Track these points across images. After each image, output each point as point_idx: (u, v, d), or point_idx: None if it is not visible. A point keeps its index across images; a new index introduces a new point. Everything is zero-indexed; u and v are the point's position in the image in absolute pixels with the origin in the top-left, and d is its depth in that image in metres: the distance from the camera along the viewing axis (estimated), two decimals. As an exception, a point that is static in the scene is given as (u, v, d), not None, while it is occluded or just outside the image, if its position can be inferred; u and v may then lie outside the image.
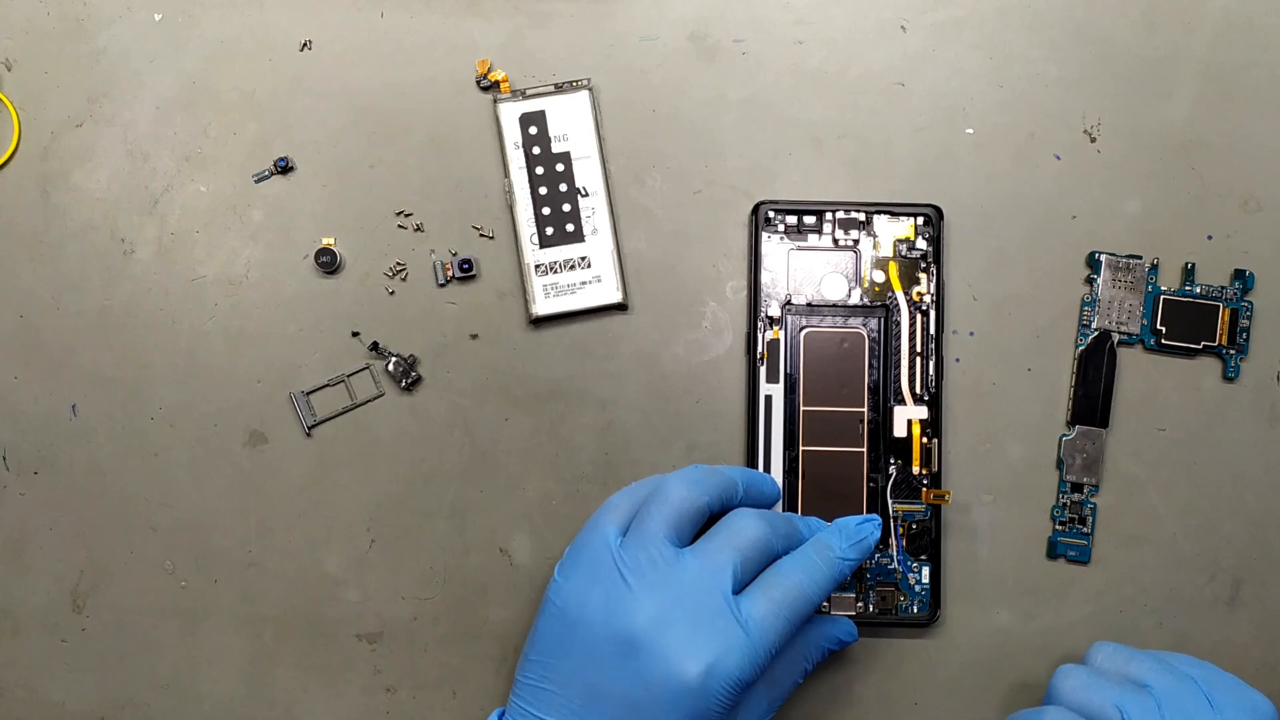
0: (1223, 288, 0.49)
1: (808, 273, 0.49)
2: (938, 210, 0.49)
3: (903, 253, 0.49)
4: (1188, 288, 0.49)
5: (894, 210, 0.49)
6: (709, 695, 0.40)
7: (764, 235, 0.49)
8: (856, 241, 0.49)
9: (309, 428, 0.49)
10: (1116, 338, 0.49)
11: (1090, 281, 0.50)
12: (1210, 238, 0.50)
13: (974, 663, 0.49)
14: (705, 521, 0.44)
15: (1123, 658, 0.43)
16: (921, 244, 0.49)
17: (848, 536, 0.44)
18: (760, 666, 0.41)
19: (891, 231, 0.49)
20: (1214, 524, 0.49)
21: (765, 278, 0.49)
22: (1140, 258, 0.49)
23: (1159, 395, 0.50)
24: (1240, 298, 0.49)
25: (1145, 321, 0.49)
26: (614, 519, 0.44)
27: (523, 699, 0.43)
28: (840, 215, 0.49)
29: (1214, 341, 0.49)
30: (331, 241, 0.50)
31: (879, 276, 0.49)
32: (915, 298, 0.49)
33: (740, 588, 0.42)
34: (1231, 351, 0.49)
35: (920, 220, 0.49)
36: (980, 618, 0.49)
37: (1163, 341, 0.49)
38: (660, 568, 0.42)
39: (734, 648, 0.40)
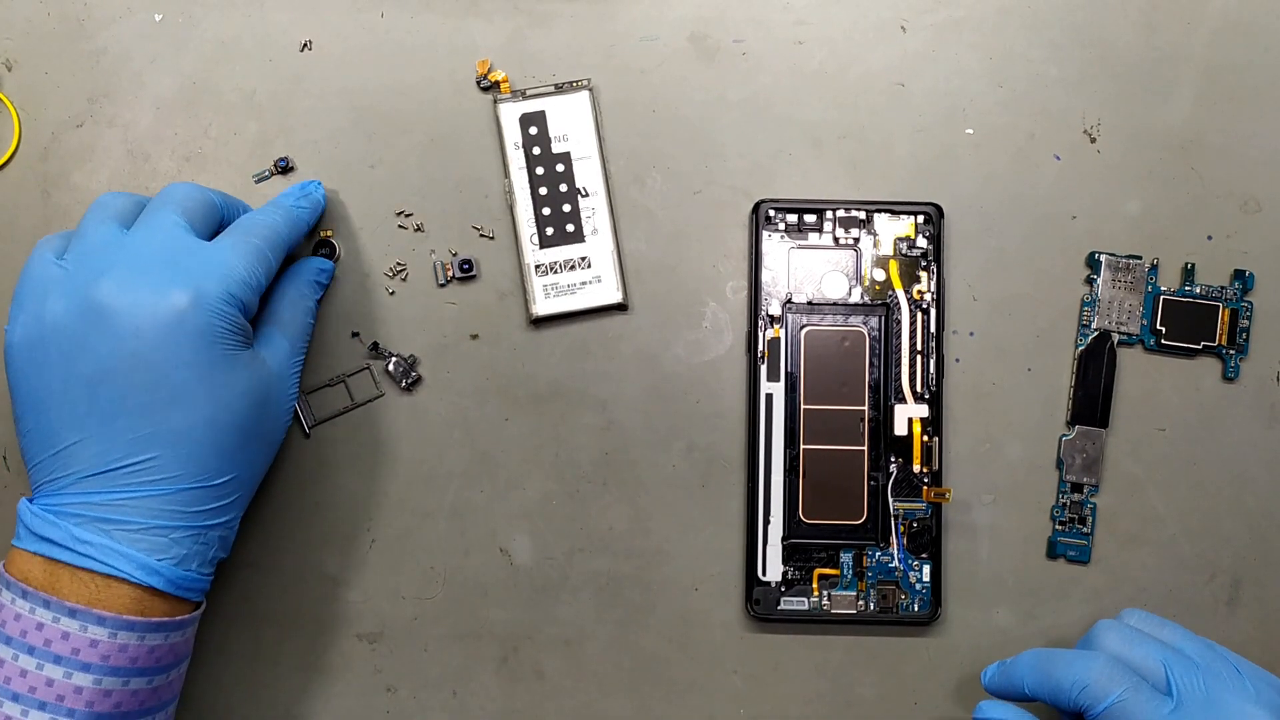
0: (1222, 288, 0.49)
1: (808, 271, 0.49)
2: (938, 208, 0.49)
3: (903, 251, 0.49)
4: (1187, 288, 0.49)
5: (894, 208, 0.49)
6: (205, 312, 0.41)
7: (764, 233, 0.49)
8: (857, 240, 0.49)
9: (309, 428, 0.49)
10: (1116, 338, 0.49)
11: (1090, 281, 0.50)
12: (1210, 238, 0.50)
13: (974, 663, 0.49)
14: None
15: (1154, 624, 0.44)
16: (922, 242, 0.49)
17: (295, 192, 0.48)
18: (246, 284, 0.43)
19: (892, 230, 0.49)
20: (1214, 524, 0.49)
21: (766, 276, 0.49)
22: (1140, 258, 0.49)
23: (1159, 395, 0.50)
24: (1240, 298, 0.49)
25: (1145, 321, 0.49)
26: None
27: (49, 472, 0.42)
28: (841, 214, 0.49)
29: (1214, 342, 0.49)
30: (330, 233, 0.50)
31: (879, 275, 0.49)
32: (916, 296, 0.49)
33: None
34: (1231, 352, 0.49)
35: (921, 218, 0.49)
36: (980, 617, 0.49)
37: (1162, 341, 0.49)
38: (103, 247, 0.42)
39: (211, 271, 0.42)
